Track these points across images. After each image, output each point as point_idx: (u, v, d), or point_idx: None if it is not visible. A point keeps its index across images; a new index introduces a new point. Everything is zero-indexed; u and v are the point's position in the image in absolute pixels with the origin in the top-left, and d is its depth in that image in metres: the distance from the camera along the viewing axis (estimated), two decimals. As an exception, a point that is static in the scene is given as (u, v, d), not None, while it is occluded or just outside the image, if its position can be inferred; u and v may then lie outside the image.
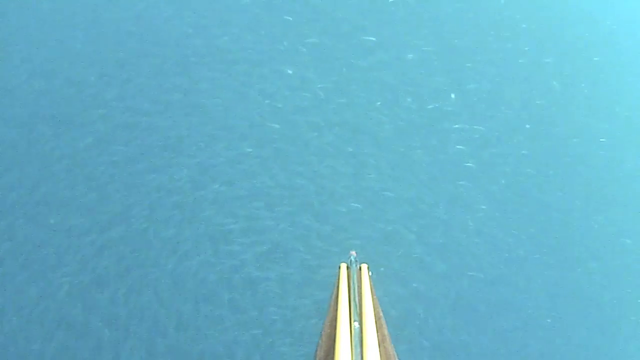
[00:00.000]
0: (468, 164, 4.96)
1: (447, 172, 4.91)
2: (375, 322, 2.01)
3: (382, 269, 4.16)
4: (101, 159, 4.53)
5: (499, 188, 4.89)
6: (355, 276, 2.35)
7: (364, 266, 2.51)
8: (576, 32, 6.31)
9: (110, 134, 4.68)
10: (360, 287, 2.28)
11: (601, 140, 5.44)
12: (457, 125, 5.17)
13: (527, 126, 5.33)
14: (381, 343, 1.93)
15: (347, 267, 2.47)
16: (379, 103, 5.18)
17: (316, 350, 2.18)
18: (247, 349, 3.80)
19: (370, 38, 5.59)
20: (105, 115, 4.78)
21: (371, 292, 2.29)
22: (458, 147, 5.06)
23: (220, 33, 5.45)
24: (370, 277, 2.45)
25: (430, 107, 5.27)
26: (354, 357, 1.81)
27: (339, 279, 2.37)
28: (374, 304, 2.16)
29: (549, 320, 4.30)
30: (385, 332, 2.13)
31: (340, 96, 5.16)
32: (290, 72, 5.20)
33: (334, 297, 2.28)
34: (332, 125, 4.98)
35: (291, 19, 5.59)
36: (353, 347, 1.86)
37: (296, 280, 4.13)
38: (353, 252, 2.59)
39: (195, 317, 3.91)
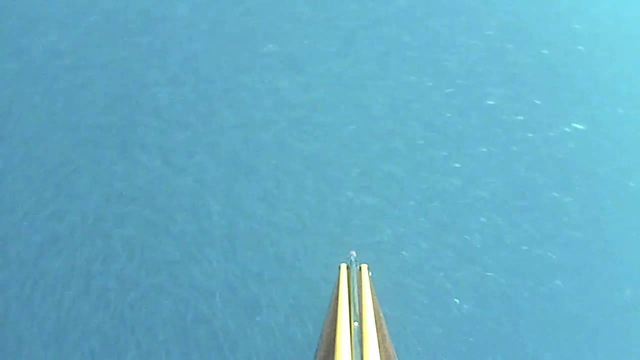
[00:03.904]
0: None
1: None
2: (375, 322, 2.01)
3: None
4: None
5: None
6: (355, 276, 2.35)
7: (364, 266, 2.51)
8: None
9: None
10: (360, 287, 2.28)
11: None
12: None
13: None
14: (381, 343, 1.93)
15: (347, 267, 2.47)
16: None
17: (316, 351, 2.18)
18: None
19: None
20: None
21: (371, 292, 2.29)
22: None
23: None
24: (370, 277, 2.46)
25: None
26: (354, 357, 1.81)
27: (339, 279, 2.38)
28: (374, 304, 2.17)
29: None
30: (385, 332, 2.13)
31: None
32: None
33: (334, 297, 2.29)
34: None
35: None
36: (353, 347, 1.86)
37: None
38: (353, 252, 2.60)
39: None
